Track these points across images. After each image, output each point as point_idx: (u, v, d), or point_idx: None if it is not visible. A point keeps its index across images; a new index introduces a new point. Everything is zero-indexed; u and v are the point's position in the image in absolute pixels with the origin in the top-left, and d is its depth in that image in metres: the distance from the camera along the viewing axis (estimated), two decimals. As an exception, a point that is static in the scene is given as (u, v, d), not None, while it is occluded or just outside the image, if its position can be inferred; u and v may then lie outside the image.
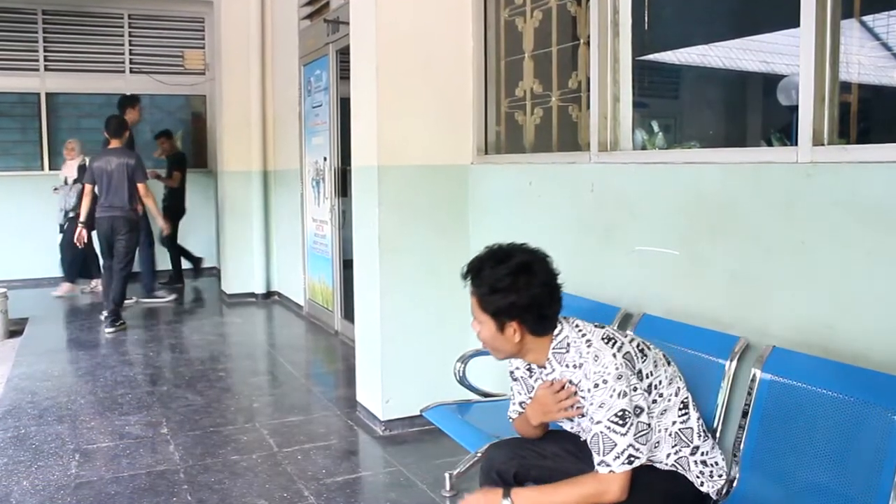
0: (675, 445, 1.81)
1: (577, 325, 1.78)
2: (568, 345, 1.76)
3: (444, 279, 3.32)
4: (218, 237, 7.04)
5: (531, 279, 1.72)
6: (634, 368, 1.72)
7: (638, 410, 1.68)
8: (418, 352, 3.29)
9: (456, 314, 3.28)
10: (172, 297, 6.66)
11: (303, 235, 5.88)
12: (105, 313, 5.51)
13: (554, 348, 1.77)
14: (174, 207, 6.99)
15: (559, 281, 1.77)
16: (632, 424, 1.65)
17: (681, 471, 1.83)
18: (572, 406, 1.76)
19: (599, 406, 1.67)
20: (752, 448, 1.87)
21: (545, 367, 1.81)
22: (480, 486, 2.01)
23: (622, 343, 1.74)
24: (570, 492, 1.68)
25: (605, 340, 1.73)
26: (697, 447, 1.82)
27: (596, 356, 1.70)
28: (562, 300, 1.78)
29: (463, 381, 2.70)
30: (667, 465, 1.82)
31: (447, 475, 2.68)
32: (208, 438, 3.31)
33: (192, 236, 7.56)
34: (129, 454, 3.13)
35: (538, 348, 1.78)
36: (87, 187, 5.54)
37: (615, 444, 1.65)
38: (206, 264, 7.73)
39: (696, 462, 1.83)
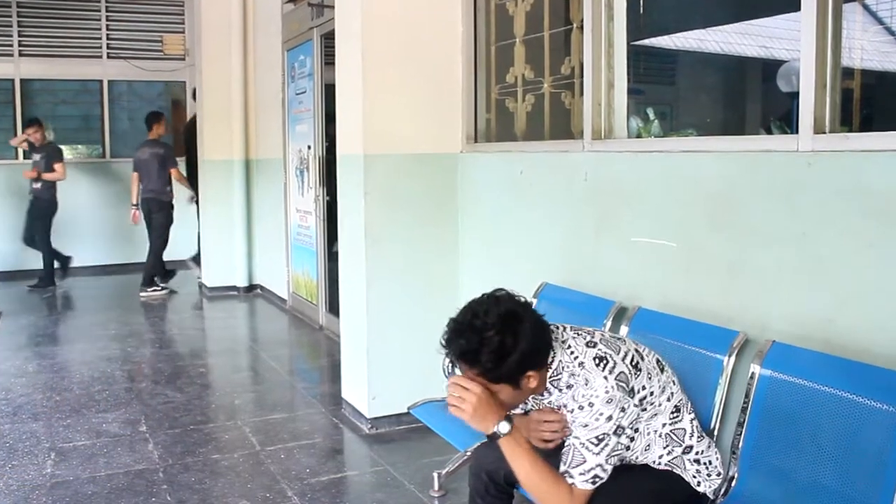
0: (668, 446, 1.79)
1: (568, 347, 1.72)
2: (562, 369, 1.71)
3: (433, 271, 3.29)
4: (198, 229, 6.91)
5: (521, 324, 1.60)
6: (628, 387, 1.68)
7: (620, 430, 1.64)
8: (406, 347, 3.25)
9: (444, 307, 3.20)
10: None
11: (286, 227, 5.81)
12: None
13: (550, 377, 1.73)
14: (51, 202, 6.58)
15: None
16: (606, 445, 1.62)
17: (676, 471, 1.81)
18: (558, 437, 1.73)
19: (583, 425, 1.64)
20: (751, 446, 1.86)
21: (543, 395, 1.77)
22: (469, 487, 1.96)
23: (615, 363, 1.68)
24: (545, 479, 1.63)
25: (597, 361, 1.68)
26: (691, 447, 1.80)
27: (587, 380, 1.66)
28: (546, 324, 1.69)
29: (452, 376, 2.63)
30: (661, 465, 1.80)
31: (435, 474, 2.67)
32: (188, 437, 3.26)
33: (174, 228, 7.40)
34: (107, 453, 3.07)
35: (543, 380, 1.72)
36: (134, 174, 6.47)
37: (584, 461, 1.63)
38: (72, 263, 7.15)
39: (690, 461, 1.81)
